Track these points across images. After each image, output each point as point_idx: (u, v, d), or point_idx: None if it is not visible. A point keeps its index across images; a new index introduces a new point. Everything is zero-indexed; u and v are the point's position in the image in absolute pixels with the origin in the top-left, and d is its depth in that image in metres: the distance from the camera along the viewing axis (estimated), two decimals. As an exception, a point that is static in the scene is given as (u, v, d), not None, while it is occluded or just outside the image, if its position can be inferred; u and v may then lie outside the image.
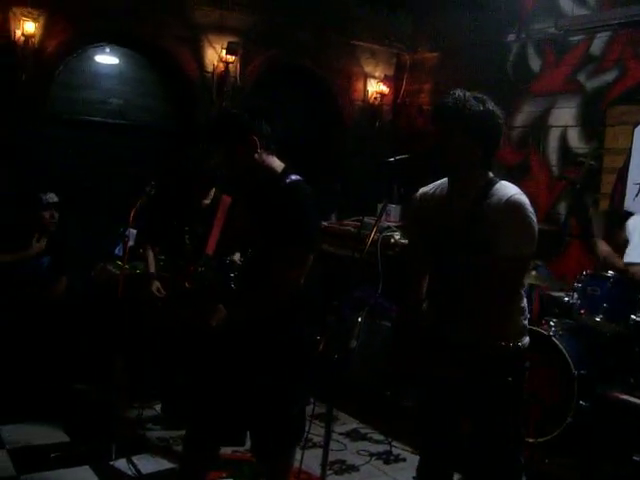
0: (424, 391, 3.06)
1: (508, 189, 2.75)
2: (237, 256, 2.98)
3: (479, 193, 2.76)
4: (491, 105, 2.76)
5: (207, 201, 4.67)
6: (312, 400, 3.35)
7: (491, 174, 2.82)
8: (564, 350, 4.56)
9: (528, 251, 2.72)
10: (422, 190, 3.04)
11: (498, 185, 2.77)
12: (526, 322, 2.90)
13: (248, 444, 3.41)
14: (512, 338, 2.81)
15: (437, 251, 2.87)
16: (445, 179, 2.92)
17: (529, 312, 3.02)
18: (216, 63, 6.89)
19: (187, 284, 4.31)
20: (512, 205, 2.68)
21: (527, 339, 2.87)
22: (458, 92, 2.75)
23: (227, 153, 3.17)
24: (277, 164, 3.22)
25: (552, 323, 4.83)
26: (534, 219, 2.71)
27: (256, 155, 3.14)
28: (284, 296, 3.08)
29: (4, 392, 4.66)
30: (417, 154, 2.85)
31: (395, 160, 2.79)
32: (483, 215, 2.71)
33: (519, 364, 2.86)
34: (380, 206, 5.85)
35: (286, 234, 3.04)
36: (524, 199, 2.72)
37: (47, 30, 6.00)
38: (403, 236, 5.82)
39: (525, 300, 2.92)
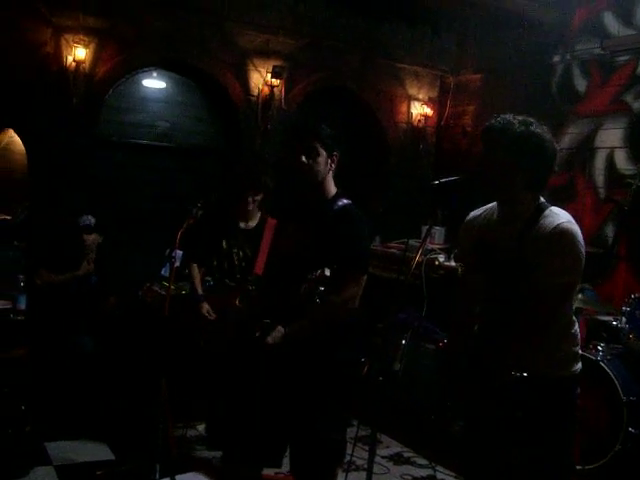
0: (470, 421, 3.01)
1: (558, 216, 2.69)
2: (327, 271, 2.99)
3: (528, 218, 2.72)
4: (537, 128, 2.72)
5: (253, 223, 4.74)
6: (355, 423, 3.34)
7: (542, 199, 2.78)
8: (612, 375, 4.47)
9: (571, 280, 2.67)
10: (472, 214, 3.01)
11: (548, 211, 2.72)
12: (577, 348, 2.84)
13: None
14: (564, 365, 2.77)
15: (486, 275, 2.85)
16: (495, 203, 2.89)
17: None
18: (261, 87, 6.98)
19: (237, 303, 4.36)
20: (560, 233, 2.63)
21: (579, 365, 2.82)
22: (505, 115, 2.74)
23: (309, 155, 3.20)
24: (333, 189, 3.30)
25: (600, 348, 4.75)
26: (581, 249, 2.65)
27: (330, 172, 3.24)
28: (340, 317, 3.12)
29: (51, 409, 4.74)
30: (464, 177, 2.83)
31: (440, 182, 2.79)
32: (531, 240, 2.67)
33: (571, 392, 2.82)
34: (424, 228, 5.88)
35: (340, 257, 3.07)
36: (573, 227, 2.66)
37: (97, 56, 6.17)
38: (448, 259, 5.79)
39: (577, 326, 2.85)
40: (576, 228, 2.67)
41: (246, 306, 4.28)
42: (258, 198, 4.70)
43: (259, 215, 4.76)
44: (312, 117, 3.62)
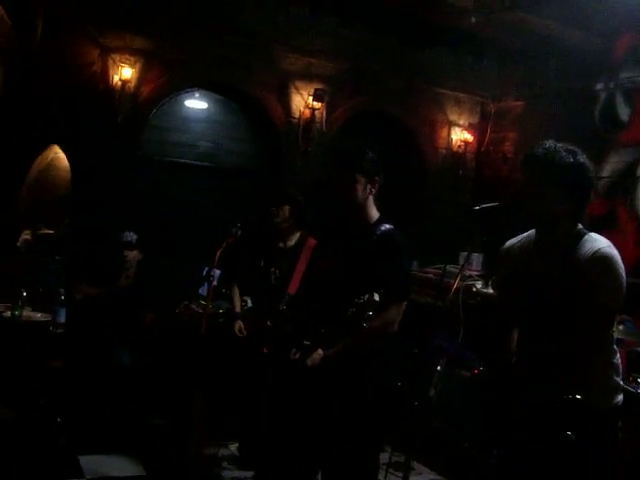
0: (507, 448, 2.95)
1: (597, 242, 2.67)
2: (376, 296, 3.00)
3: (567, 245, 2.69)
4: (582, 158, 2.69)
5: (291, 242, 4.75)
6: (389, 448, 3.32)
7: (580, 226, 2.76)
8: (652, 409, 4.37)
9: (613, 304, 2.64)
10: (509, 242, 2.98)
11: (587, 237, 2.69)
12: (619, 379, 2.80)
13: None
14: (606, 395, 2.72)
15: (524, 304, 2.82)
16: (532, 231, 2.86)
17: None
18: (302, 109, 7.04)
19: (268, 322, 4.36)
20: (599, 258, 2.61)
21: (621, 397, 2.77)
22: (549, 143, 2.71)
23: (349, 181, 3.21)
24: (375, 213, 3.31)
25: (639, 380, 4.65)
26: (622, 272, 2.63)
27: (371, 197, 3.24)
28: (379, 343, 3.13)
29: (85, 423, 4.78)
30: (505, 203, 2.82)
31: (481, 208, 2.78)
32: (571, 265, 2.64)
33: (614, 424, 2.76)
34: (462, 254, 5.84)
35: (381, 282, 3.07)
36: (613, 252, 2.64)
37: (143, 76, 6.30)
38: (486, 285, 5.74)
39: (618, 356, 2.81)
40: (616, 252, 2.65)
41: (277, 325, 4.28)
42: (285, 211, 4.69)
43: (298, 235, 4.75)
44: (354, 140, 3.60)
